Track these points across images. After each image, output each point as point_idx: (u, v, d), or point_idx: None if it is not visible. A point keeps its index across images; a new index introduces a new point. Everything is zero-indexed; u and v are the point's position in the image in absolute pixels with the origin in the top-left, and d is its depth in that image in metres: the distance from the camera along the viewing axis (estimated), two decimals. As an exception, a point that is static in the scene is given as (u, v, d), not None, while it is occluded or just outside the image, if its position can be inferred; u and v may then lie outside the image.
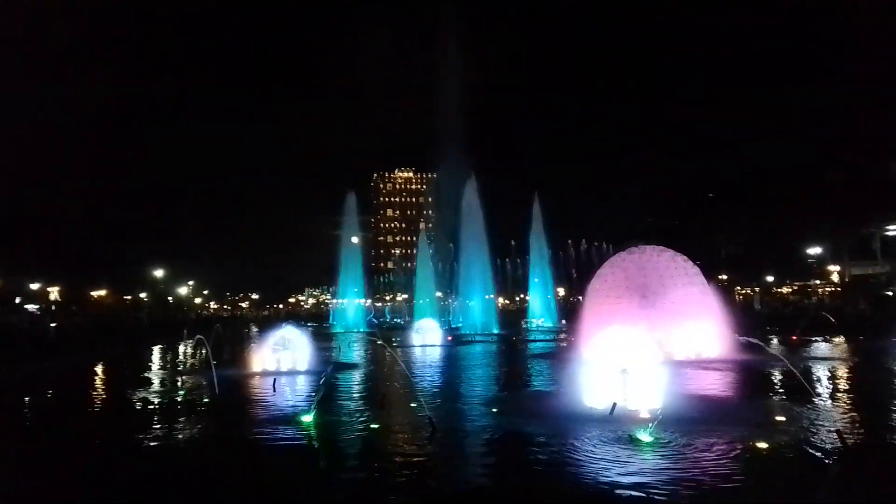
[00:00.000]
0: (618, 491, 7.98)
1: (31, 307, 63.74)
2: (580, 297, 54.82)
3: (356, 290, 69.12)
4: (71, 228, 78.93)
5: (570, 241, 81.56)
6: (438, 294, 78.31)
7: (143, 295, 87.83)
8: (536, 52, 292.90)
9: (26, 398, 18.94)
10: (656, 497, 7.70)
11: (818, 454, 9.60)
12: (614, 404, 11.93)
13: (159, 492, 8.69)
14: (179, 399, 17.26)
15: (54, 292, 69.35)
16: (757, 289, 75.59)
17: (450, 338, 39.44)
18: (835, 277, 69.38)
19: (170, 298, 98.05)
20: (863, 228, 65.42)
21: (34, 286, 65.98)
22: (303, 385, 19.39)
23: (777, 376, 19.83)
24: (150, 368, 27.58)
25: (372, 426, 12.29)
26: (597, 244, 76.35)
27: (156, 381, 21.88)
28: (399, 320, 69.28)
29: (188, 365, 29.58)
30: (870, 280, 65.20)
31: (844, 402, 14.83)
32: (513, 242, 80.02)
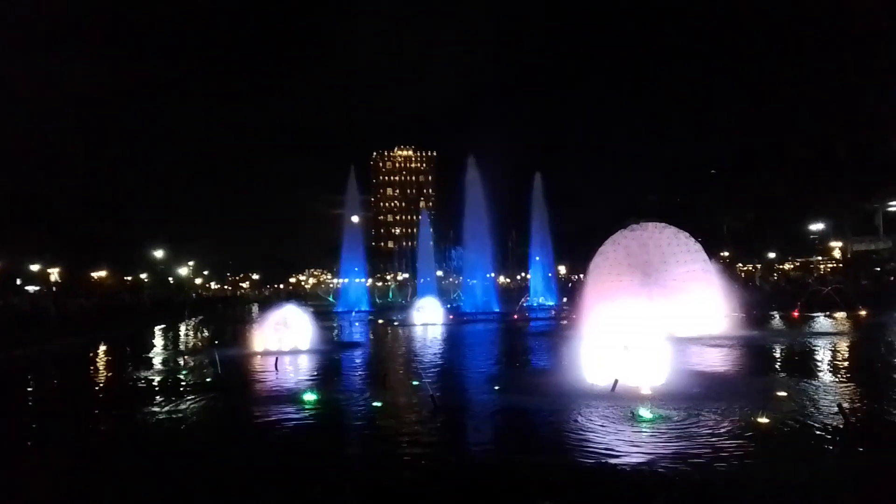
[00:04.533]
0: (621, 466, 7.98)
1: (31, 288, 63.84)
2: (581, 276, 54.75)
3: (357, 269, 69.08)
4: (71, 209, 78.73)
5: (571, 219, 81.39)
6: (439, 273, 78.30)
7: (143, 276, 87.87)
8: (538, 28, 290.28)
9: (29, 379, 19.01)
10: (659, 472, 7.69)
11: (820, 429, 9.60)
12: (616, 381, 11.93)
13: (163, 471, 8.70)
14: (182, 379, 17.29)
15: (55, 273, 69.31)
16: (759, 265, 75.50)
17: (451, 316, 39.51)
18: (837, 254, 69.22)
19: (170, 279, 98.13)
20: (865, 204, 65.12)
21: (34, 267, 65.96)
22: (305, 364, 19.44)
23: (779, 352, 19.86)
24: (152, 349, 27.69)
25: (374, 404, 12.29)
26: (598, 221, 76.14)
27: (158, 362, 21.95)
28: (401, 300, 69.32)
29: (190, 345, 29.68)
30: (872, 256, 65.06)
31: (846, 378, 14.82)
32: (513, 220, 79.80)
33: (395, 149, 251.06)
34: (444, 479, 8.14)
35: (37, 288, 65.26)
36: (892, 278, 49.90)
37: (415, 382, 14.85)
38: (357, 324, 40.97)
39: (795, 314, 33.16)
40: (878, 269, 56.17)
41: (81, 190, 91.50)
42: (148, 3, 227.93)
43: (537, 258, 62.76)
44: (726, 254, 73.06)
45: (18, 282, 65.71)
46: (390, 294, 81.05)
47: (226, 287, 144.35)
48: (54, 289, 65.38)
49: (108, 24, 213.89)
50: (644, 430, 9.66)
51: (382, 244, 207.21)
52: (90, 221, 77.67)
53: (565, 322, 33.39)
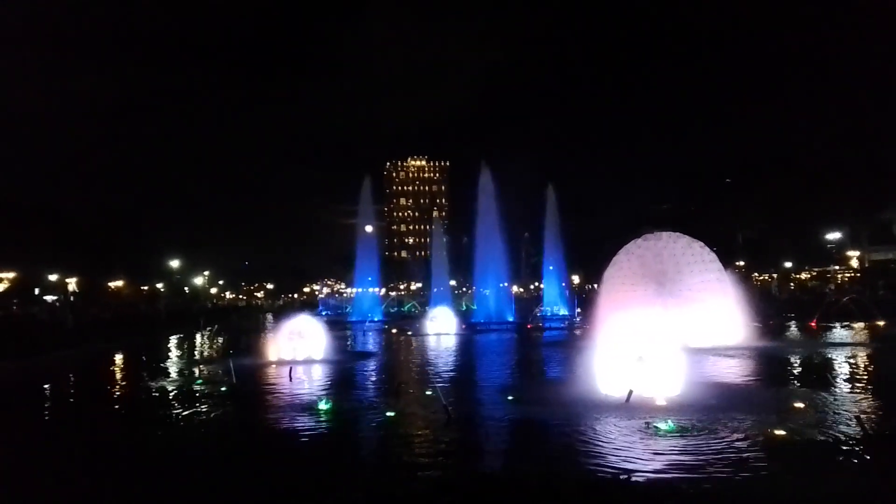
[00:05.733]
0: (635, 478, 7.92)
1: (49, 298, 64.62)
2: (595, 285, 54.53)
3: (370, 279, 69.17)
4: (88, 220, 79.69)
5: (585, 228, 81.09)
6: (453, 282, 78.23)
7: (159, 285, 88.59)
8: (550, 37, 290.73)
9: (46, 387, 19.20)
10: (672, 483, 7.64)
11: (837, 441, 9.49)
12: (630, 392, 11.86)
13: (176, 479, 8.76)
14: (197, 388, 17.39)
15: (72, 283, 70.08)
16: (775, 275, 74.84)
17: (464, 326, 39.48)
18: (854, 263, 68.48)
19: (186, 288, 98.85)
20: (882, 213, 64.54)
21: (53, 277, 66.73)
22: (319, 374, 19.50)
23: (796, 363, 19.66)
24: (168, 358, 27.88)
25: (388, 414, 12.31)
26: (612, 231, 75.78)
27: (174, 371, 22.10)
28: (414, 309, 69.36)
29: (205, 354, 29.86)
30: (890, 265, 64.32)
31: (864, 389, 14.63)
32: (527, 230, 79.73)
33: (409, 159, 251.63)
34: (456, 490, 8.13)
35: (55, 297, 65.99)
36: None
37: (428, 392, 14.85)
38: (370, 333, 41.02)
39: (813, 324, 32.81)
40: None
41: (98, 200, 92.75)
42: (162, 13, 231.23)
43: (551, 267, 62.62)
44: (741, 263, 72.48)
45: (37, 291, 66.48)
46: (404, 304, 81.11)
47: (240, 297, 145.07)
48: (72, 298, 66.06)
49: (122, 35, 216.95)
50: (658, 441, 9.60)
51: (396, 254, 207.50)
52: (107, 232, 78.56)
53: (579, 332, 33.25)
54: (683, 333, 19.33)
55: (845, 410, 11.52)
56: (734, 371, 18.42)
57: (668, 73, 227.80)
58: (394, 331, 40.05)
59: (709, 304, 24.63)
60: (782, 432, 9.72)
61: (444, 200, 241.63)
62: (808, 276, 75.51)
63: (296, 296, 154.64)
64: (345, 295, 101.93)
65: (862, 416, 10.36)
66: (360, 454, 10.24)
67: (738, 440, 9.50)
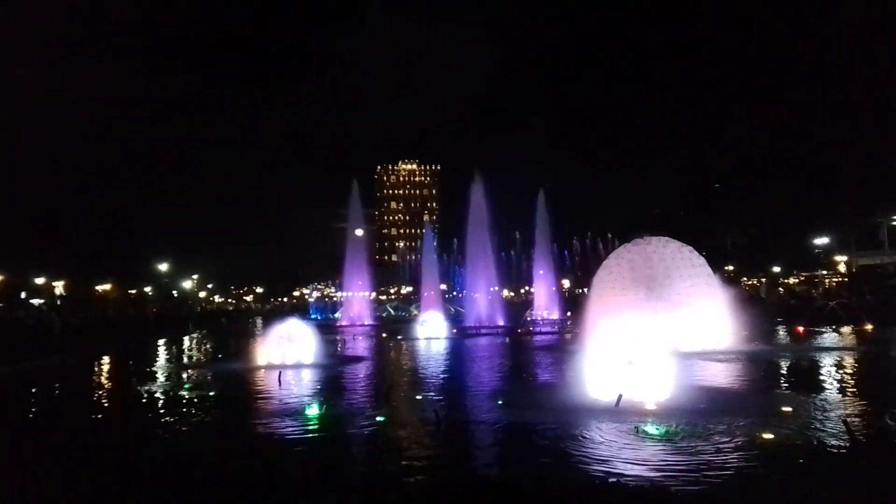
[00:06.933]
0: (625, 481, 7.94)
1: (36, 302, 64.00)
2: (585, 290, 54.64)
3: (361, 283, 69.00)
4: (76, 222, 79.04)
5: (575, 233, 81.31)
6: (443, 286, 78.16)
7: (147, 289, 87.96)
8: (541, 43, 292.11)
9: (33, 393, 19.01)
10: (662, 487, 7.65)
11: (825, 444, 9.54)
12: (620, 396, 11.88)
13: (165, 485, 8.69)
14: (185, 393, 17.27)
15: (59, 287, 69.47)
16: (763, 279, 75.27)
17: (454, 330, 39.45)
18: (842, 268, 68.94)
19: (174, 292, 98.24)
20: (870, 218, 65.03)
21: (39, 281, 66.11)
22: (308, 378, 19.41)
23: (784, 367, 19.77)
24: (156, 362, 27.68)
25: (378, 418, 12.27)
26: (602, 236, 76.18)
27: (162, 375, 21.94)
28: (405, 314, 69.21)
29: (194, 359, 29.68)
30: (877, 270, 64.83)
31: (851, 393, 14.74)
32: (517, 234, 79.91)
33: (400, 162, 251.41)
34: (448, 494, 8.11)
35: (41, 301, 65.40)
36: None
37: (418, 396, 14.82)
38: (360, 338, 40.92)
39: (800, 329, 33.00)
40: (884, 283, 55.85)
41: (86, 203, 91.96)
42: (152, 18, 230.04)
43: (541, 272, 62.71)
44: (730, 268, 72.88)
45: (23, 295, 65.84)
46: (394, 308, 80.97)
47: (229, 300, 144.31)
48: (59, 302, 65.48)
49: (112, 38, 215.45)
50: (648, 445, 9.61)
51: (386, 258, 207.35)
52: (95, 235, 77.90)
53: (569, 336, 33.29)
54: (673, 337, 19.40)
55: (833, 414, 11.58)
56: (723, 375, 18.49)
57: (660, 78, 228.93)
58: (384, 335, 39.98)
59: (698, 308, 24.73)
60: (770, 436, 9.76)
61: (434, 204, 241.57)
62: (797, 280, 76.00)
63: (286, 299, 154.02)
64: (335, 299, 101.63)
65: (849, 419, 10.42)
66: (351, 458, 10.19)
67: (727, 444, 9.53)
